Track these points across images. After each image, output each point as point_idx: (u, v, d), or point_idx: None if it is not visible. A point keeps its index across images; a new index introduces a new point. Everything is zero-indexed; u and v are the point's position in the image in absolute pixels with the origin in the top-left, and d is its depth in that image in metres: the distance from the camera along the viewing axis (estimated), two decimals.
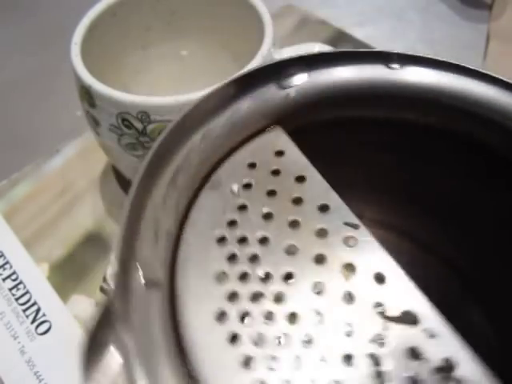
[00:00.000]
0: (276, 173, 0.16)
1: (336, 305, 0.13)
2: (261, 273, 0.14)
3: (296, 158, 0.17)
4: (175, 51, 0.34)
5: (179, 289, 0.14)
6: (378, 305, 0.13)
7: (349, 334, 0.13)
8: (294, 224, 0.15)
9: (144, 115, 0.24)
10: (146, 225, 0.14)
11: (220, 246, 0.15)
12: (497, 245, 0.20)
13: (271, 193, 0.16)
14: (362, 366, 0.12)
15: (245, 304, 0.14)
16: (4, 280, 0.28)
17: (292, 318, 0.13)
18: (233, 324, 0.13)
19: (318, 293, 0.14)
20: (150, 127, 0.24)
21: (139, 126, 0.24)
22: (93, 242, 0.30)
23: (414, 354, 0.13)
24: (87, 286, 0.28)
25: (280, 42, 0.29)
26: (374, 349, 0.13)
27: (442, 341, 0.13)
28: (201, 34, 0.34)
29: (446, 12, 0.44)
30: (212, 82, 0.24)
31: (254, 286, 0.14)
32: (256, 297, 0.14)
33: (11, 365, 0.25)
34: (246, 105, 0.17)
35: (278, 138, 0.17)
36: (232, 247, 0.15)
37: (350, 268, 0.14)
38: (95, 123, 0.26)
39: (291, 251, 0.15)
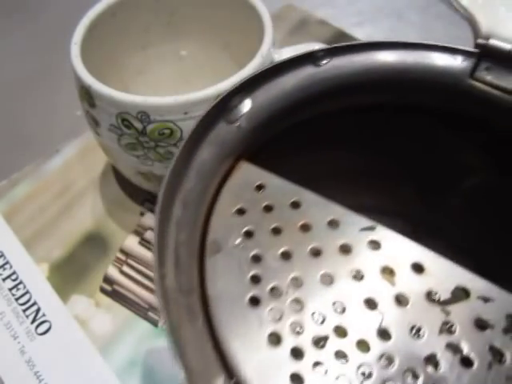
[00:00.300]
0: (269, 208, 0.16)
1: (394, 313, 0.13)
2: (311, 315, 0.14)
3: (279, 185, 0.16)
4: (175, 51, 0.34)
5: (244, 374, 0.13)
6: (429, 294, 0.14)
7: (421, 336, 0.13)
8: (316, 252, 0.15)
9: (144, 115, 0.24)
10: (177, 315, 0.13)
11: (256, 308, 0.14)
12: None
13: (276, 231, 0.15)
14: (448, 359, 0.13)
15: (313, 354, 0.13)
16: (4, 280, 0.28)
17: (362, 345, 0.13)
18: (312, 379, 0.13)
19: (373, 308, 0.14)
20: (149, 127, 0.24)
21: (139, 126, 0.24)
22: (93, 242, 0.30)
23: (481, 324, 0.13)
24: (87, 286, 0.28)
25: (280, 42, 0.29)
26: (447, 338, 0.13)
27: (496, 301, 0.13)
28: (200, 35, 0.34)
29: (446, 12, 0.44)
30: (211, 83, 0.24)
31: (312, 332, 0.13)
32: (320, 341, 0.13)
33: (11, 365, 0.25)
34: (206, 153, 0.16)
35: (250, 172, 0.17)
36: (269, 303, 0.14)
37: (388, 271, 0.14)
38: (95, 123, 0.26)
39: (327, 280, 0.14)
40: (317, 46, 0.28)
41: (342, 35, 0.42)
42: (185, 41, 0.34)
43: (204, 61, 0.34)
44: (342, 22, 0.43)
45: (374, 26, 0.45)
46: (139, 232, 0.30)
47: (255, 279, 0.14)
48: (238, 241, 0.15)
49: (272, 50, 0.26)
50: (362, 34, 0.42)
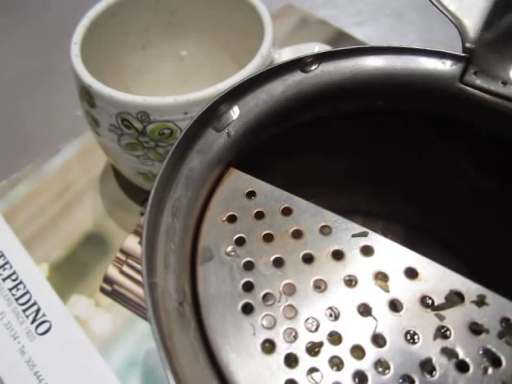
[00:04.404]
0: (260, 215, 0.16)
1: (388, 318, 0.13)
2: (305, 322, 0.13)
3: (270, 192, 0.16)
4: (175, 51, 0.34)
5: (238, 382, 0.13)
6: (424, 299, 0.14)
7: (416, 341, 0.13)
8: (308, 258, 0.15)
9: (144, 115, 0.24)
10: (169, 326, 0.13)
11: (249, 316, 0.14)
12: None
13: (268, 237, 0.15)
14: (443, 364, 0.13)
15: (307, 361, 0.13)
16: (4, 280, 0.28)
17: (357, 351, 0.13)
18: None
19: (367, 314, 0.13)
20: (149, 127, 0.24)
21: (139, 126, 0.24)
22: (93, 242, 0.30)
23: (476, 328, 0.13)
24: (87, 286, 0.28)
25: (280, 42, 0.29)
26: (442, 343, 0.13)
27: (491, 304, 0.13)
28: (201, 34, 0.34)
29: None
30: (211, 82, 0.24)
31: (306, 338, 0.13)
32: (314, 348, 0.13)
33: (11, 365, 0.25)
34: (194, 161, 0.16)
35: (240, 179, 0.16)
36: (262, 310, 0.14)
37: (381, 277, 0.14)
38: (95, 123, 0.26)
39: (320, 286, 0.14)
40: (317, 45, 0.28)
41: (341, 35, 0.42)
42: (185, 41, 0.34)
43: (204, 61, 0.34)
44: (341, 22, 0.43)
45: (374, 25, 0.45)
46: (139, 232, 0.30)
47: (248, 287, 0.14)
48: (229, 248, 0.15)
49: (272, 50, 0.26)
50: (361, 34, 0.42)
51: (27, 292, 0.28)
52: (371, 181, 0.22)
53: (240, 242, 0.15)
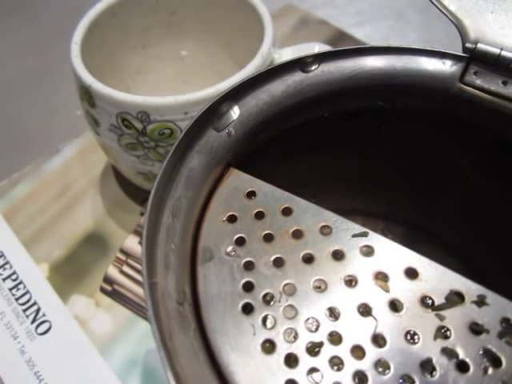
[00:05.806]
0: (260, 215, 0.16)
1: (388, 318, 0.13)
2: (305, 322, 0.14)
3: (270, 192, 0.16)
4: (175, 51, 0.34)
5: (238, 382, 0.13)
6: (424, 299, 0.14)
7: (416, 341, 0.13)
8: (308, 258, 0.15)
9: (144, 115, 0.24)
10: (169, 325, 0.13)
11: (249, 316, 0.14)
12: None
13: (268, 237, 0.15)
14: (443, 364, 0.13)
15: (307, 361, 0.13)
16: (4, 280, 0.28)
17: (357, 351, 0.13)
18: None
19: (367, 314, 0.13)
20: (149, 127, 0.24)
21: (139, 126, 0.24)
22: (93, 242, 0.30)
23: (476, 328, 0.13)
24: (87, 286, 0.28)
25: (280, 42, 0.29)
26: (442, 343, 0.13)
27: (491, 305, 0.13)
28: (201, 34, 0.34)
29: None
30: (211, 82, 0.24)
31: (306, 338, 0.13)
32: (314, 348, 0.13)
33: (11, 365, 0.25)
34: (195, 161, 0.16)
35: (240, 179, 0.17)
36: (262, 310, 0.14)
37: (381, 277, 0.14)
38: (95, 123, 0.26)
39: (321, 286, 0.14)
40: (317, 45, 0.28)
41: (341, 35, 0.42)
42: (185, 41, 0.34)
43: (204, 61, 0.34)
44: (342, 22, 0.43)
45: (374, 26, 0.45)
46: (139, 232, 0.30)
47: (248, 287, 0.14)
48: (229, 248, 0.15)
49: (272, 50, 0.26)
50: (361, 34, 0.42)
51: (27, 292, 0.28)
52: (371, 181, 0.22)
53: (240, 242, 0.15)
